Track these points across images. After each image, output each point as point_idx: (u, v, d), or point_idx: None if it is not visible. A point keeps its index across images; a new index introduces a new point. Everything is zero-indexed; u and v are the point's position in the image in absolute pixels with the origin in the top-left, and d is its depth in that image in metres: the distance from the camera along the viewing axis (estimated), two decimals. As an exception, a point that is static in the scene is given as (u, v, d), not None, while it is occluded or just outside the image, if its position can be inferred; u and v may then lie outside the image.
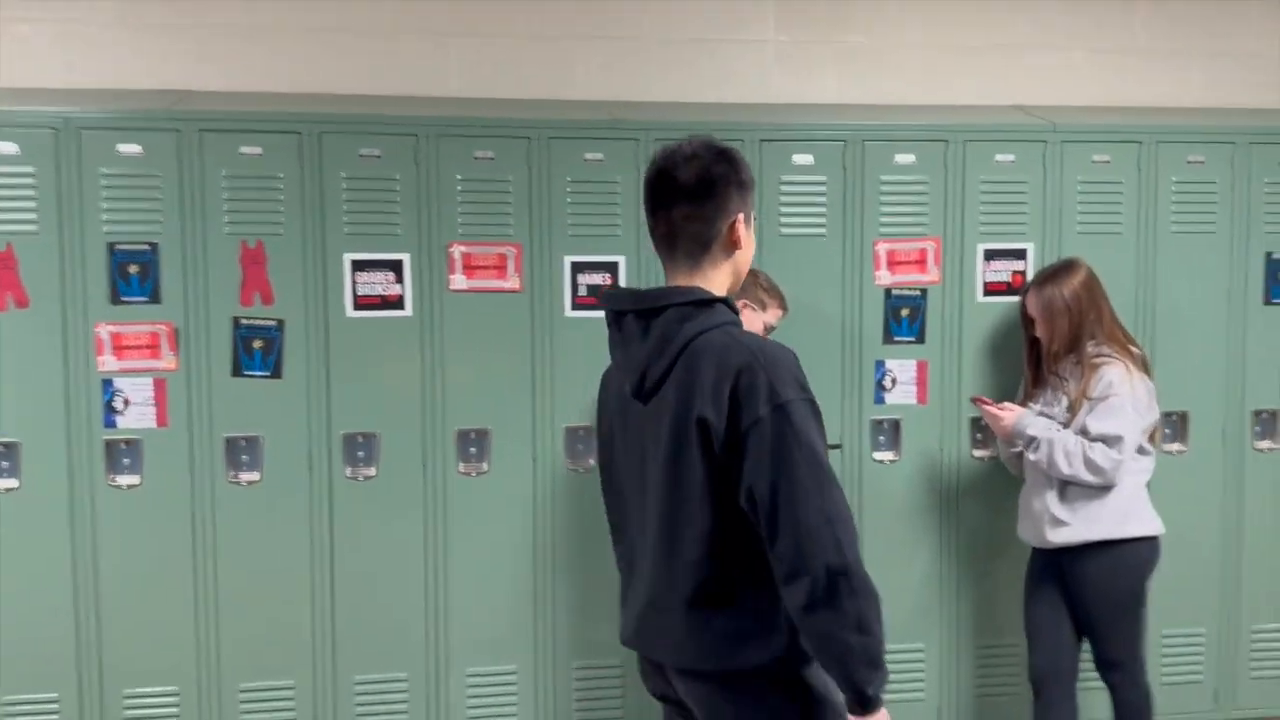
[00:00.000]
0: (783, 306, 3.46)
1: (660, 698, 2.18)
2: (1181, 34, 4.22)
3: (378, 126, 3.47)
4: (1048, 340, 3.44)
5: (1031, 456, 3.39)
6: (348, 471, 3.50)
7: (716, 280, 2.07)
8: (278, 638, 3.51)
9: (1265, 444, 3.95)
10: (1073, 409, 3.39)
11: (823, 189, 3.68)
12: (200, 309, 3.41)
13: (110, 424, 3.39)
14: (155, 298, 3.39)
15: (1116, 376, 3.35)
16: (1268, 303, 3.93)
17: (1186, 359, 3.87)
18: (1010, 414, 3.44)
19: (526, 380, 3.58)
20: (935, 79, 4.09)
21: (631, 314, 2.04)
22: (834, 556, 1.84)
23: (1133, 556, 3.36)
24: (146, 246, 3.38)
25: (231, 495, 3.46)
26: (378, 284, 3.48)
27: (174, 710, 3.48)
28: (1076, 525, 3.35)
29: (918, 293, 3.75)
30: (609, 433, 2.19)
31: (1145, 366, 3.48)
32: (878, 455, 3.76)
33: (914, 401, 3.77)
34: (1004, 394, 3.72)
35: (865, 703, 1.90)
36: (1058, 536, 3.38)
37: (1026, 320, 3.54)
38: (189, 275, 3.40)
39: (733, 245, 2.06)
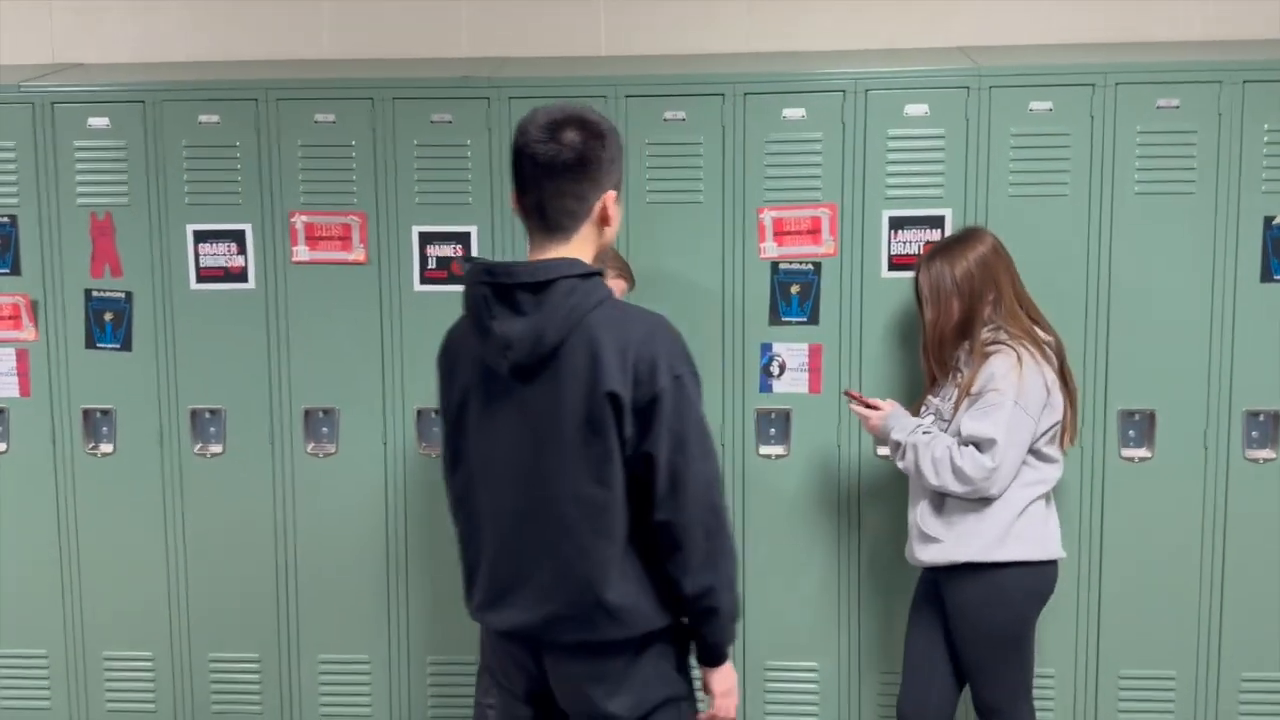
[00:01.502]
0: (626, 277, 2.92)
1: (503, 689, 2.04)
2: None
3: (216, 92, 3.17)
4: (932, 324, 2.74)
5: (899, 464, 2.72)
6: (196, 448, 3.24)
7: (585, 254, 1.92)
8: (137, 610, 3.31)
9: (1263, 453, 3.05)
10: (957, 405, 2.70)
11: (699, 149, 3.08)
12: (56, 281, 3.23)
13: (-22, 393, 3.28)
14: (15, 269, 3.24)
15: (1001, 368, 2.62)
16: (1267, 280, 3.01)
17: (1152, 348, 3.03)
18: (880, 412, 2.78)
19: (375, 358, 3.21)
20: (864, 20, 3.36)
21: (517, 287, 1.84)
22: (713, 521, 1.87)
23: (1011, 585, 2.63)
24: (6, 219, 3.22)
25: (90, 467, 3.27)
26: (220, 255, 3.19)
27: (44, 674, 3.35)
28: (948, 543, 2.66)
29: (809, 267, 3.10)
30: (459, 410, 1.98)
31: (1059, 355, 2.72)
32: (764, 450, 3.15)
33: (805, 390, 3.12)
34: (913, 385, 3.02)
35: (721, 656, 1.97)
36: (926, 554, 2.70)
37: (921, 300, 2.84)
38: (45, 247, 3.23)
39: (604, 221, 1.91)
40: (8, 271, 3.23)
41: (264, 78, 3.18)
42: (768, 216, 3.07)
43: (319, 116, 3.12)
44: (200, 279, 3.19)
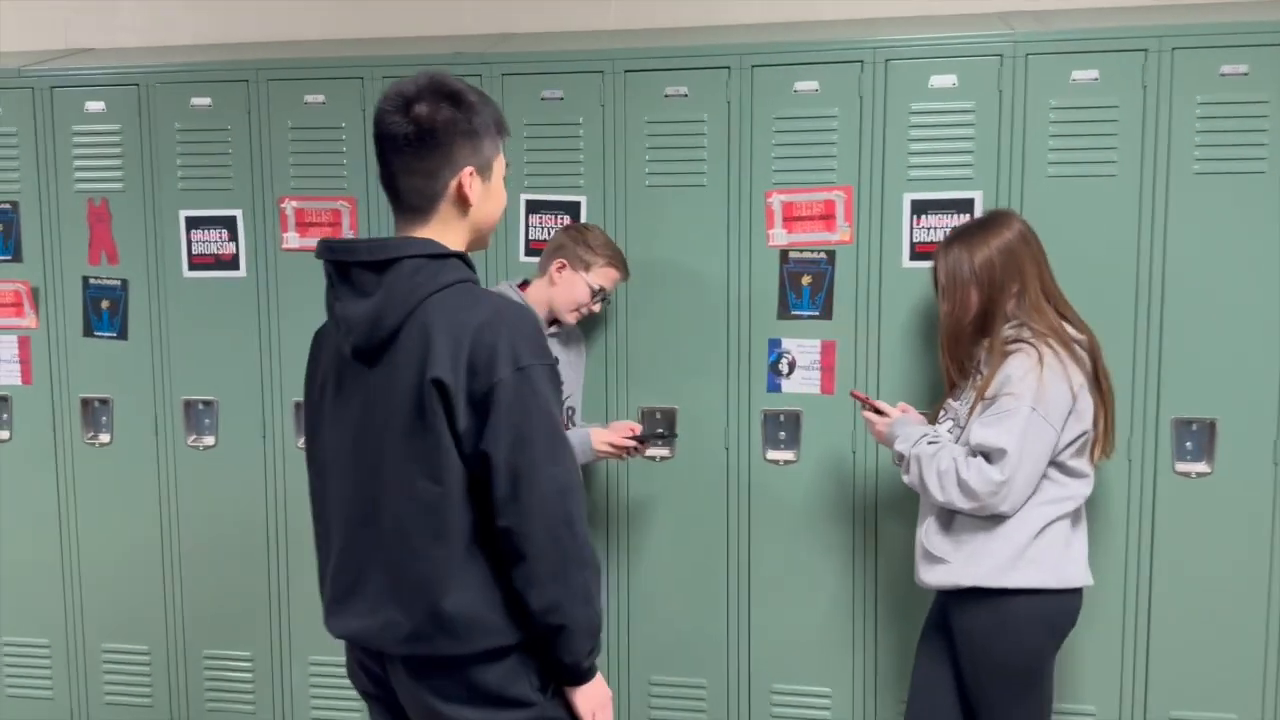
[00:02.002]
0: (618, 267, 2.67)
1: (370, 696, 1.85)
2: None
3: (208, 73, 3.03)
4: (947, 316, 2.41)
5: (905, 479, 2.41)
6: (190, 439, 3.12)
7: (450, 237, 1.72)
8: (134, 604, 3.22)
9: (1345, 470, 2.62)
10: (972, 410, 2.37)
11: (702, 128, 2.81)
12: (56, 268, 3.15)
13: (-18, 380, 3.23)
14: (17, 256, 3.17)
15: (1019, 369, 2.28)
16: (1352, 271, 2.58)
17: (1213, 348, 2.64)
18: (886, 418, 2.47)
19: (367, 349, 3.02)
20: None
21: (358, 266, 1.67)
22: (564, 529, 1.63)
23: (1024, 614, 2.29)
24: (8, 205, 3.16)
25: (89, 457, 3.19)
26: (212, 242, 3.06)
27: (46, 663, 3.29)
28: (955, 564, 2.34)
29: (822, 256, 2.80)
30: (319, 399, 1.82)
31: (1092, 355, 2.37)
32: (771, 454, 2.86)
33: (817, 391, 2.83)
34: (936, 387, 2.70)
35: (582, 675, 1.73)
36: (931, 576, 2.39)
37: (938, 290, 2.51)
38: (46, 234, 3.15)
39: (463, 202, 1.70)
40: (9, 258, 3.16)
41: (255, 58, 3.02)
42: (777, 200, 2.77)
43: (309, 98, 2.96)
44: (192, 266, 3.06)
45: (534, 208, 2.87)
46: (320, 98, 2.94)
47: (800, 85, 2.73)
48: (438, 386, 1.62)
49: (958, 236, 2.42)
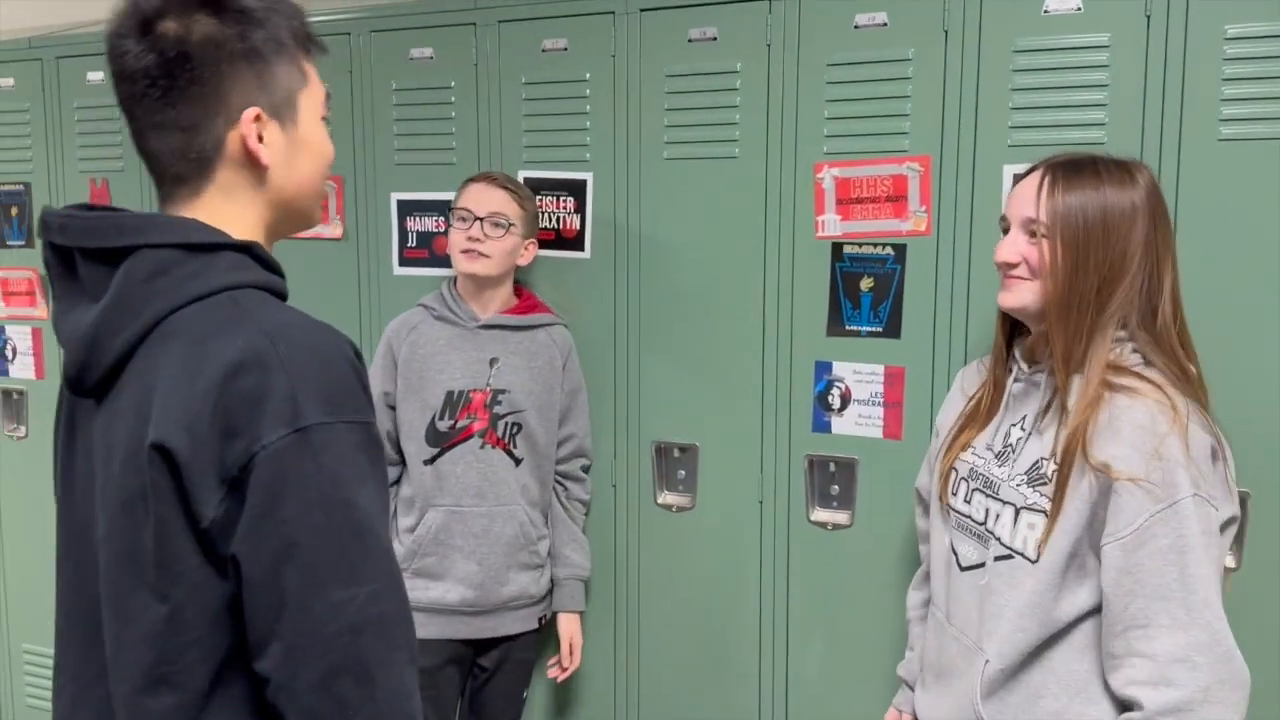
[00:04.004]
0: (466, 183, 2.12)
1: None
2: None
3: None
4: (1061, 282, 1.50)
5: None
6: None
7: (237, 217, 1.10)
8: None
9: None
10: (1065, 473, 1.50)
11: (734, 81, 2.09)
12: (63, 254, 2.83)
13: (3, 372, 2.97)
14: (30, 241, 2.89)
15: (1155, 436, 1.42)
16: None
17: None
18: None
19: (355, 355, 2.50)
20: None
21: (84, 255, 1.07)
22: (351, 687, 0.98)
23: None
24: (20, 186, 2.87)
25: (93, 460, 2.85)
26: (199, 228, 2.63)
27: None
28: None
29: (889, 252, 2.01)
30: (56, 440, 1.22)
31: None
32: (818, 515, 2.11)
33: (879, 434, 2.04)
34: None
35: None
36: None
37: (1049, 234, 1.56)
38: (55, 217, 2.83)
39: (252, 162, 1.09)
40: (22, 243, 2.86)
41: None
42: (829, 176, 2.01)
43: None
44: (182, 254, 2.62)
45: (534, 187, 2.24)
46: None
47: (861, 18, 1.95)
48: (162, 455, 1.00)
49: (1101, 167, 1.51)
